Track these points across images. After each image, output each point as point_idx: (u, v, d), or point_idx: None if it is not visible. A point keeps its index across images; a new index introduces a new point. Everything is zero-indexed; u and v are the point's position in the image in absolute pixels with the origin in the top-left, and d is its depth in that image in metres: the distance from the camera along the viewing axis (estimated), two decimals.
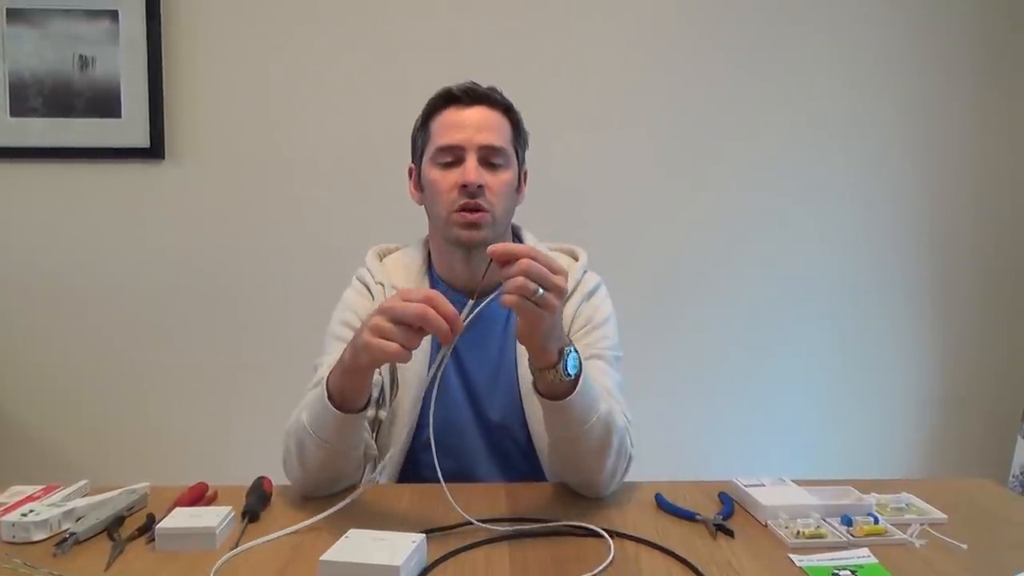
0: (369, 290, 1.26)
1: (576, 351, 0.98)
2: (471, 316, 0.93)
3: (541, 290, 0.88)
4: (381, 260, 1.31)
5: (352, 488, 1.12)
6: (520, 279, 0.87)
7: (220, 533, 0.92)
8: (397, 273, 1.27)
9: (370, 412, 1.16)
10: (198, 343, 2.26)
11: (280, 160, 2.24)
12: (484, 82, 1.25)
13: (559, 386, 0.97)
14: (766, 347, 2.36)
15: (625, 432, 1.09)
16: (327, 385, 1.00)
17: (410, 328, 0.90)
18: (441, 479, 0.96)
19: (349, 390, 0.99)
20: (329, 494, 1.09)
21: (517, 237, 1.33)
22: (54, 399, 2.25)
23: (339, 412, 0.99)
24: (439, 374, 0.96)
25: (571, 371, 0.96)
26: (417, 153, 1.26)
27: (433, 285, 1.26)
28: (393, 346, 0.89)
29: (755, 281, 2.35)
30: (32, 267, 2.23)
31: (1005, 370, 2.41)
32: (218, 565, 0.86)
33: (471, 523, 0.96)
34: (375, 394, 1.19)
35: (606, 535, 0.95)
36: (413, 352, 0.94)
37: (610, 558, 0.89)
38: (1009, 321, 2.41)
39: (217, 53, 2.21)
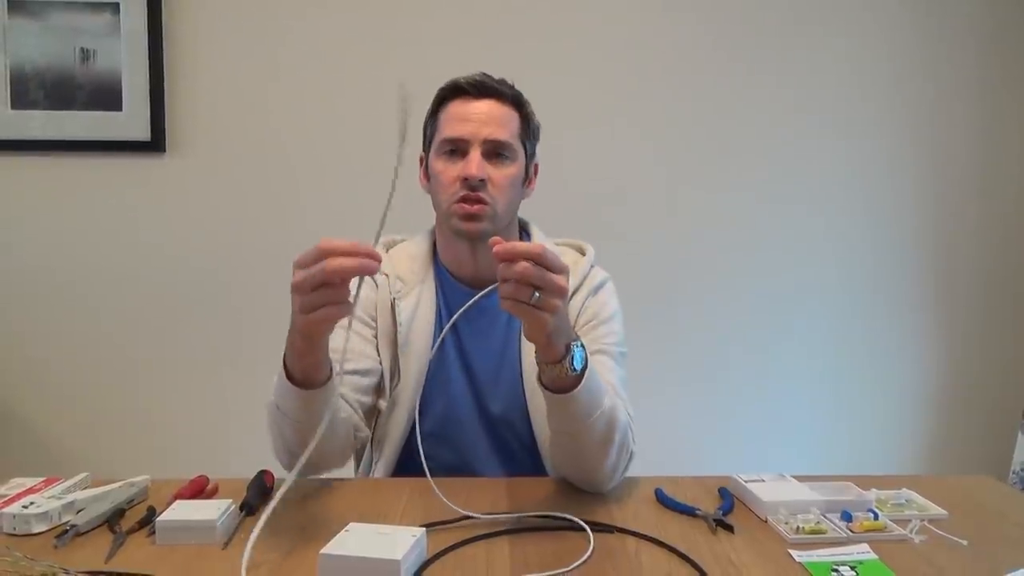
0: (374, 281, 1.26)
1: (583, 346, 0.98)
2: (467, 306, 0.93)
3: (537, 294, 0.87)
4: (387, 251, 1.31)
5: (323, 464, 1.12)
6: (512, 286, 0.86)
7: (220, 526, 0.92)
8: (402, 263, 1.27)
9: (345, 388, 1.15)
10: (199, 336, 2.26)
11: (281, 154, 2.24)
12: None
13: (564, 380, 0.96)
14: (768, 344, 2.36)
15: (627, 428, 1.09)
16: (285, 364, 0.99)
17: (329, 285, 0.87)
18: (428, 473, 0.96)
19: (309, 367, 0.97)
20: (321, 475, 1.10)
21: (525, 233, 1.32)
22: (55, 392, 2.25)
23: (302, 390, 0.97)
24: (438, 345, 0.99)
25: (577, 366, 0.96)
26: (426, 142, 1.26)
27: (438, 275, 1.26)
28: (323, 312, 0.87)
29: (758, 279, 2.35)
30: (32, 260, 2.23)
31: (1006, 367, 2.41)
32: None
33: (469, 517, 0.96)
34: (366, 382, 1.19)
35: (606, 530, 0.95)
36: (413, 342, 0.93)
37: (610, 553, 0.89)
38: (1011, 318, 2.41)
39: (218, 46, 2.21)
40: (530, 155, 1.25)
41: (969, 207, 2.38)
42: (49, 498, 0.98)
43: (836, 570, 0.85)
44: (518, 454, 1.25)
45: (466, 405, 1.23)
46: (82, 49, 2.15)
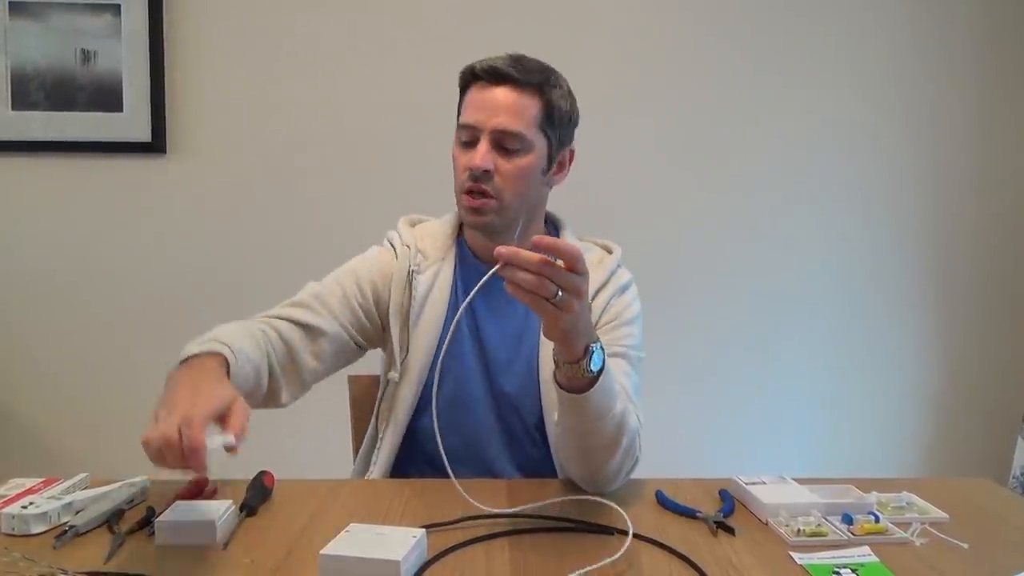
0: (394, 249, 1.26)
1: (602, 348, 0.96)
2: (475, 290, 0.92)
3: (560, 293, 0.85)
4: (411, 227, 1.30)
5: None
6: (535, 280, 0.83)
7: (220, 526, 0.92)
8: (424, 239, 1.27)
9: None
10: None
11: (282, 155, 2.24)
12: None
13: (579, 381, 0.95)
14: (768, 345, 2.36)
15: (636, 435, 1.08)
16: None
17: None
18: (448, 469, 0.96)
19: None
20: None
21: (554, 229, 1.31)
22: (55, 392, 2.25)
23: None
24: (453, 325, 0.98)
25: (593, 368, 0.94)
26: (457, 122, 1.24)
27: (460, 253, 1.26)
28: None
29: (757, 279, 2.35)
30: (33, 261, 2.23)
31: (1006, 370, 2.41)
32: None
33: (471, 517, 0.96)
34: (311, 339, 1.22)
35: (606, 532, 0.95)
36: (425, 318, 1.04)
37: (610, 555, 0.89)
38: (1010, 321, 2.41)
39: (219, 47, 2.21)
40: (556, 143, 1.20)
41: (968, 207, 2.38)
42: (48, 498, 0.98)
43: (837, 572, 0.85)
44: (525, 441, 1.24)
45: (477, 386, 1.22)
46: (83, 50, 2.15)
